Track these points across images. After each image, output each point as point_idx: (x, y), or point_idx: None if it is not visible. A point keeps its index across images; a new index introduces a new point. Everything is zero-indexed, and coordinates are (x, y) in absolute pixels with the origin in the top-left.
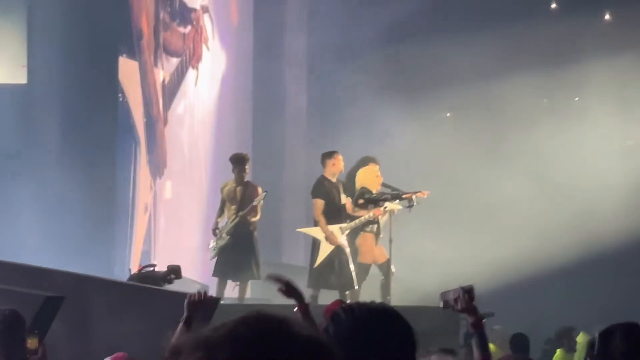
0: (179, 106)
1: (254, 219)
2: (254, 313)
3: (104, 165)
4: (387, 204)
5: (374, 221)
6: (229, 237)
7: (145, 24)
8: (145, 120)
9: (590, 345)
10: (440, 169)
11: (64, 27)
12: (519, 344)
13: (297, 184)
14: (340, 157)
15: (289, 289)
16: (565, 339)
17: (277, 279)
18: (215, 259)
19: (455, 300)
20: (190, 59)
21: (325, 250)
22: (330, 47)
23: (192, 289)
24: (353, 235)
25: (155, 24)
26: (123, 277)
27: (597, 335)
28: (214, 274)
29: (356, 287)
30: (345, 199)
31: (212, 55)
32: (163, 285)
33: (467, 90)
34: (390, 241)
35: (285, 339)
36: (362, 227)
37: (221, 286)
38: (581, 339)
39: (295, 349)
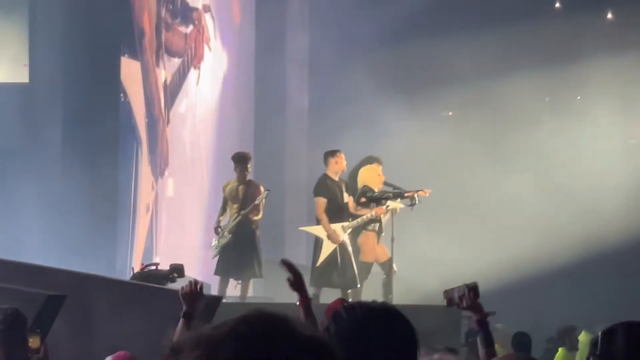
0: (181, 105)
1: (256, 218)
2: (255, 312)
3: (105, 164)
4: (389, 202)
5: (376, 220)
6: (231, 235)
7: (147, 23)
8: (147, 120)
9: (593, 344)
10: (441, 168)
11: (66, 27)
12: (521, 343)
13: (298, 183)
14: (342, 155)
15: (297, 282)
16: (567, 338)
17: (290, 267)
18: (217, 258)
19: (460, 298)
20: (192, 59)
21: (327, 248)
22: (331, 46)
23: None
24: (355, 233)
25: (157, 23)
26: (125, 276)
27: (599, 334)
28: (216, 273)
29: (359, 286)
30: (347, 198)
31: (213, 55)
32: (166, 284)
33: (469, 89)
34: (392, 240)
35: (286, 337)
36: (364, 225)
37: (223, 285)
38: (583, 337)
39: (297, 348)
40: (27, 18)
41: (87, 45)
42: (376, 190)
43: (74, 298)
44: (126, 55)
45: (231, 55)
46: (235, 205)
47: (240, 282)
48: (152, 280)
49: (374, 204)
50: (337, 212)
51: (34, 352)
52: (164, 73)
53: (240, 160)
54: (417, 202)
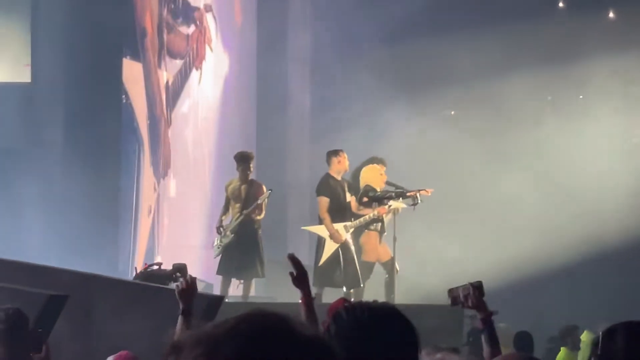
0: (183, 106)
1: (258, 217)
2: (256, 311)
3: (107, 165)
4: (391, 202)
5: (378, 219)
6: (233, 235)
7: (149, 24)
8: (148, 122)
9: (594, 344)
10: (444, 167)
11: (67, 27)
12: (523, 343)
13: (300, 182)
14: (345, 155)
15: (300, 279)
16: (569, 338)
17: (295, 263)
18: (219, 257)
19: (465, 297)
20: (194, 60)
21: (329, 248)
22: (333, 44)
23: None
24: (357, 233)
25: (159, 23)
26: (127, 276)
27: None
28: (218, 272)
29: (361, 286)
30: (350, 197)
31: (215, 55)
32: (169, 283)
33: (470, 89)
34: (394, 239)
35: (286, 337)
36: (366, 225)
37: (225, 284)
38: (585, 337)
39: (297, 348)
40: (29, 18)
41: (89, 45)
42: (378, 189)
43: (76, 298)
44: (128, 57)
45: (233, 55)
46: (238, 205)
47: (242, 281)
48: (155, 280)
49: (376, 203)
50: (339, 212)
51: (36, 352)
52: (165, 74)
53: (243, 159)
54: (419, 201)
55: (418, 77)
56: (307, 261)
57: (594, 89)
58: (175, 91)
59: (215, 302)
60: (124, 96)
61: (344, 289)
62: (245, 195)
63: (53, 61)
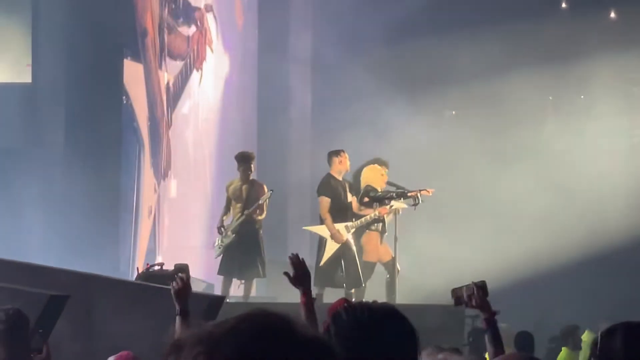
0: (184, 106)
1: (260, 218)
2: (257, 311)
3: (108, 165)
4: (392, 202)
5: (379, 220)
6: (234, 235)
7: (149, 23)
8: (149, 123)
9: (594, 345)
10: (445, 167)
11: (68, 27)
12: (524, 343)
13: (302, 182)
14: (346, 155)
15: (298, 279)
16: (570, 338)
17: (298, 264)
18: (220, 258)
19: (469, 296)
20: (195, 61)
21: (331, 248)
22: (335, 45)
23: (197, 288)
24: (358, 233)
25: (160, 24)
26: (128, 277)
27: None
28: (219, 273)
29: (363, 286)
30: (351, 198)
31: (216, 55)
32: (170, 284)
33: (472, 89)
34: (396, 239)
35: (287, 337)
36: (367, 225)
37: (226, 285)
38: (586, 337)
39: (298, 348)
40: (30, 18)
41: (90, 46)
42: (379, 190)
43: (77, 298)
44: (129, 58)
45: (234, 55)
46: (239, 205)
47: (243, 282)
48: (157, 281)
49: (377, 203)
50: (341, 212)
51: (36, 352)
52: (166, 75)
53: (244, 159)
54: (419, 201)
55: (419, 77)
56: (308, 261)
57: (595, 88)
58: (176, 92)
59: (216, 302)
60: (124, 97)
61: (345, 288)
62: (246, 196)
63: (54, 62)
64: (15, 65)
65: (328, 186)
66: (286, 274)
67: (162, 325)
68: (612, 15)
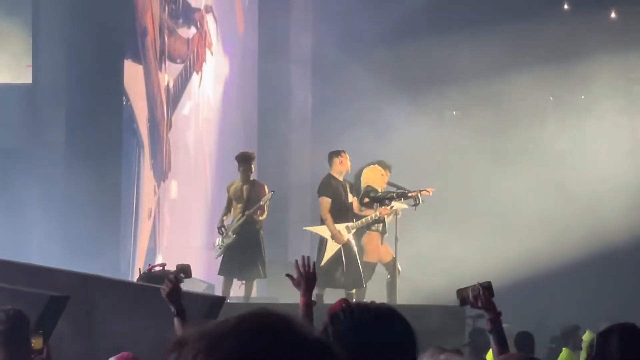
0: (184, 107)
1: (260, 218)
2: (258, 310)
3: (108, 166)
4: (393, 203)
5: (380, 220)
6: (235, 235)
7: (150, 23)
8: (149, 124)
9: (591, 346)
10: (445, 167)
11: (69, 28)
12: (524, 343)
13: (302, 183)
14: (347, 155)
15: (301, 282)
16: (571, 338)
17: (299, 268)
18: (220, 258)
19: (475, 297)
20: (195, 63)
21: (331, 248)
22: (335, 45)
23: (198, 289)
24: (358, 234)
25: (160, 25)
26: (129, 277)
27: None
28: (220, 273)
29: (364, 286)
30: (352, 198)
31: (216, 57)
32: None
33: (473, 88)
34: (396, 240)
35: (287, 336)
36: (367, 226)
37: (227, 285)
38: (587, 337)
39: (298, 347)
40: (30, 19)
41: (90, 46)
42: (380, 190)
43: (77, 299)
44: (129, 59)
45: (234, 56)
46: (240, 205)
47: (244, 282)
48: (159, 281)
49: (378, 204)
50: (341, 212)
51: (37, 353)
52: (166, 77)
53: (244, 160)
54: (420, 201)
55: (419, 77)
56: None
57: (595, 88)
58: (176, 94)
59: (217, 302)
60: (124, 98)
61: (346, 289)
62: (247, 196)
63: (54, 62)
64: (16, 65)
65: (329, 186)
66: (289, 276)
67: (162, 326)
68: (613, 15)
